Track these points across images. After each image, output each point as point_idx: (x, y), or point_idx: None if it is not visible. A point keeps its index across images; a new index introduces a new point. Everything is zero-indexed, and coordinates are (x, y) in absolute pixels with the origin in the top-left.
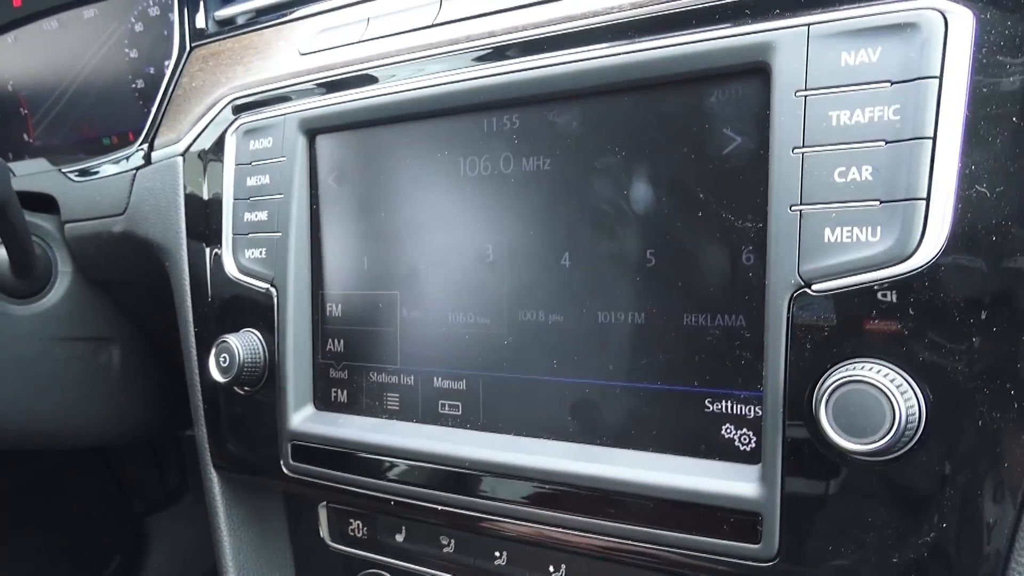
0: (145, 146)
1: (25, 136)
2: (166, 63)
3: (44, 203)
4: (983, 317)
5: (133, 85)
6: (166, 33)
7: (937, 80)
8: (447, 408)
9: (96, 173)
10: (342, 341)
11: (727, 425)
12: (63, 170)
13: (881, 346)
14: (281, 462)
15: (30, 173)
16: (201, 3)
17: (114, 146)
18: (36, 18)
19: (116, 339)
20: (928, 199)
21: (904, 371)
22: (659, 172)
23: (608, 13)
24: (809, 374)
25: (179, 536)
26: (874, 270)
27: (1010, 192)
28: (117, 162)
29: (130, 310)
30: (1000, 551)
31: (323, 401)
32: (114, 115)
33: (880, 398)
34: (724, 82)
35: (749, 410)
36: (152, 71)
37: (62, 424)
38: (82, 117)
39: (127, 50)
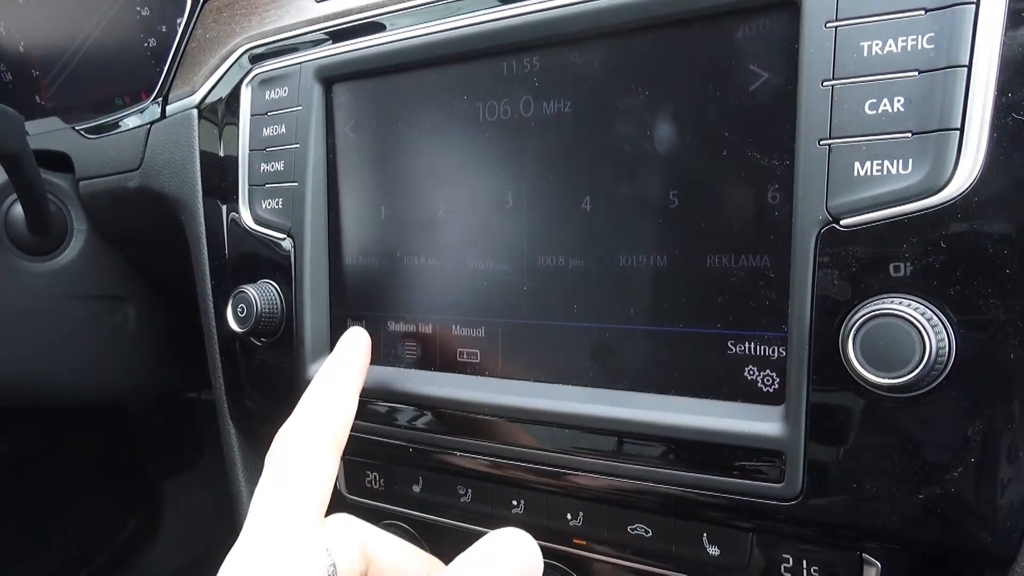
0: (160, 100)
1: (37, 98)
2: (179, 20)
3: (58, 161)
4: (1016, 251)
5: (145, 44)
6: None
7: (974, 6)
8: (465, 356)
9: (111, 129)
10: (359, 291)
11: (750, 366)
12: (76, 127)
13: (912, 280)
14: None
15: (43, 132)
16: None
17: (126, 106)
18: None
19: (131, 298)
20: (962, 129)
21: (935, 305)
22: (683, 112)
23: None
24: (836, 311)
25: (194, 501)
26: (905, 203)
27: None
28: (131, 117)
29: (145, 268)
30: (1021, 490)
31: None
32: (126, 75)
33: (911, 331)
34: (751, 16)
35: (773, 351)
36: (164, 29)
37: (77, 382)
38: (94, 78)
39: (139, 8)
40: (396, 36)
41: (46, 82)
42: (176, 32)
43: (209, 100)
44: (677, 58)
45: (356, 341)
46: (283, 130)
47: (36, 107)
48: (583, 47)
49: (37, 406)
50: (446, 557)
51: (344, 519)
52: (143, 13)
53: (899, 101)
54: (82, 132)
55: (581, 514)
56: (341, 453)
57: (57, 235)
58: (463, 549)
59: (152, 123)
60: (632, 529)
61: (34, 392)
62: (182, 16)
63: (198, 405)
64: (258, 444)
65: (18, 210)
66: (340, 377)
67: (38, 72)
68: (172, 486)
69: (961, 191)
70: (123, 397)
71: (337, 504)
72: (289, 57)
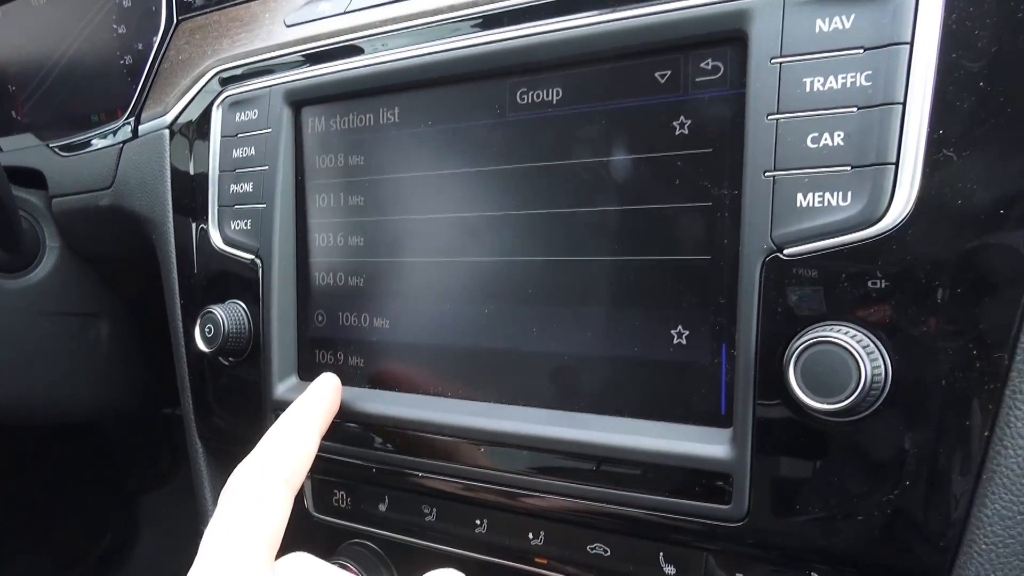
0: (132, 120)
1: (13, 113)
2: (154, 38)
3: (32, 178)
4: (947, 280)
5: (121, 61)
6: (154, 8)
7: (908, 46)
8: (429, 377)
9: (83, 148)
10: (326, 312)
11: (701, 389)
12: (50, 145)
13: (850, 308)
14: (265, 432)
15: (17, 148)
16: None
17: (102, 122)
18: None
19: (104, 314)
20: (897, 164)
21: (871, 333)
22: (638, 141)
23: None
24: (780, 337)
25: (170, 516)
26: (844, 234)
27: (976, 156)
28: (104, 136)
29: (118, 285)
30: (961, 505)
31: (307, 371)
32: (102, 91)
33: (846, 358)
34: (704, 50)
35: (722, 375)
36: (140, 47)
37: (50, 399)
38: (70, 94)
39: (115, 26)
40: (363, 62)
41: (22, 98)
42: (151, 50)
43: (181, 120)
44: (633, 89)
45: (325, 386)
46: (252, 152)
47: (12, 122)
48: (544, 77)
49: (10, 423)
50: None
51: (297, 560)
52: (119, 31)
53: (839, 136)
54: (56, 150)
55: (542, 533)
56: (295, 494)
57: (29, 252)
58: (430, 568)
59: (124, 142)
60: (592, 548)
61: (6, 409)
62: (157, 34)
63: (173, 420)
64: (226, 462)
65: None
66: (303, 419)
67: (14, 87)
68: (149, 500)
69: (896, 223)
70: (97, 413)
71: (304, 522)
72: (259, 80)
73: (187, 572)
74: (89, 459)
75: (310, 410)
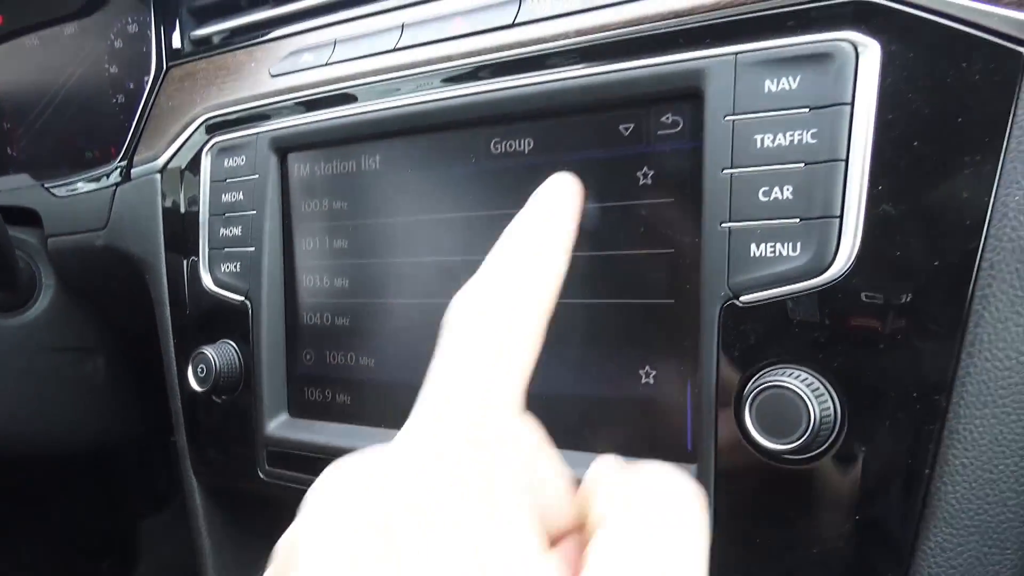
0: (124, 163)
1: (8, 149)
2: (145, 78)
3: (27, 217)
4: (888, 326)
5: (114, 100)
6: (145, 49)
7: (849, 107)
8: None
9: (78, 189)
10: (314, 351)
11: (667, 426)
12: (45, 185)
13: (801, 352)
14: (257, 467)
15: (13, 188)
16: (177, 23)
17: (96, 159)
18: (17, 35)
19: (100, 349)
20: (841, 217)
21: (820, 376)
22: (605, 190)
23: (556, 40)
24: (737, 378)
25: (169, 540)
26: (795, 282)
27: (912, 211)
28: (98, 179)
29: (113, 320)
30: (908, 538)
31: (297, 408)
32: (96, 129)
33: (796, 401)
34: (664, 106)
35: (686, 413)
36: (132, 86)
37: (49, 432)
38: (64, 131)
39: (107, 66)
40: (344, 111)
41: (17, 134)
42: (143, 91)
43: (171, 165)
44: (599, 140)
45: (564, 187)
46: (241, 197)
47: (7, 158)
48: (517, 127)
49: (8, 456)
50: None
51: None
52: (111, 70)
53: (788, 189)
54: (51, 190)
55: None
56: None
57: (26, 290)
58: None
59: (117, 185)
60: None
61: (5, 442)
62: (148, 75)
63: (171, 445)
64: (220, 496)
65: None
66: (545, 227)
67: (9, 124)
68: (147, 525)
69: (841, 273)
70: (95, 445)
71: None
72: (246, 127)
73: None
74: (86, 483)
75: (552, 215)
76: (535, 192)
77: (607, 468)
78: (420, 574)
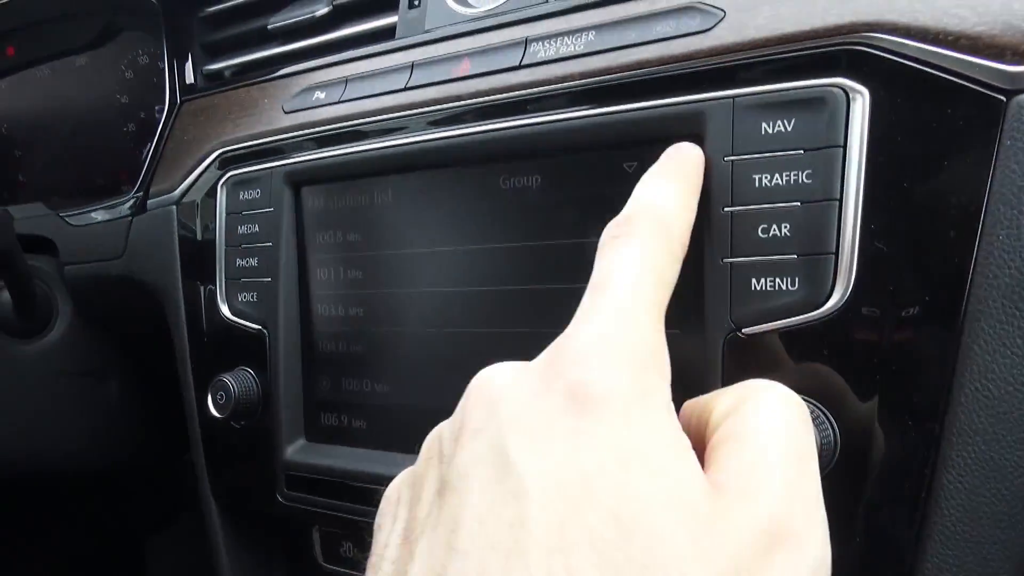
0: (140, 194)
1: (20, 176)
2: (156, 107)
3: (42, 245)
4: (883, 358)
5: (125, 129)
6: (156, 80)
7: (842, 149)
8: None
9: (93, 219)
10: (330, 378)
11: None
12: (60, 214)
13: (800, 383)
14: (276, 491)
15: (28, 216)
16: (189, 57)
17: (107, 187)
18: (28, 66)
19: (115, 373)
20: (837, 254)
21: (819, 404)
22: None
23: (561, 82)
24: None
25: (176, 558)
26: (793, 316)
27: (903, 249)
28: (113, 208)
29: (128, 344)
30: (907, 560)
31: (314, 433)
32: (107, 157)
33: None
34: (664, 146)
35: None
36: (143, 115)
37: (63, 455)
38: (76, 159)
39: (118, 96)
40: (357, 147)
41: (29, 162)
42: (155, 122)
43: (188, 197)
44: (604, 177)
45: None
46: (256, 229)
47: (18, 185)
48: (525, 164)
49: (22, 480)
50: None
51: None
52: (122, 100)
53: (786, 227)
54: (66, 219)
55: None
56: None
57: (43, 316)
58: None
59: (133, 215)
60: None
61: (21, 467)
62: (160, 108)
63: (179, 463)
64: (238, 518)
65: (4, 295)
66: (684, 174)
67: (20, 152)
68: (155, 541)
69: (837, 307)
70: (108, 468)
71: (315, 573)
72: (260, 162)
73: None
74: (94, 503)
75: (689, 166)
76: (673, 147)
77: (706, 396)
78: (598, 436)
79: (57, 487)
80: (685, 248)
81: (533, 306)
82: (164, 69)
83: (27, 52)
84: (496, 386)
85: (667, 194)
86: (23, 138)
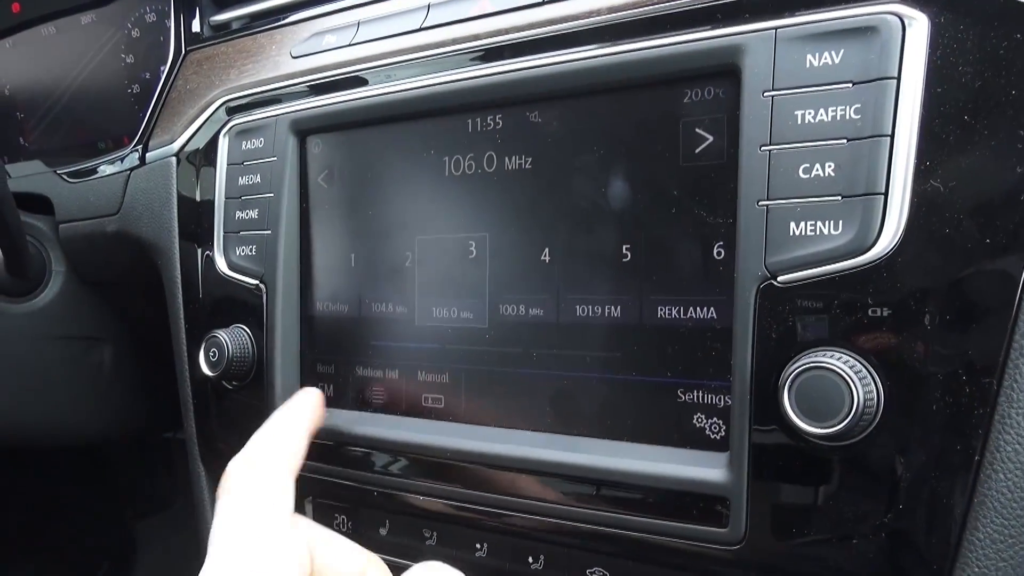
0: (140, 147)
1: (21, 139)
2: (161, 67)
3: (39, 204)
4: (936, 307)
5: (129, 90)
6: (162, 39)
7: (895, 81)
8: (430, 401)
9: (91, 174)
10: (329, 336)
11: (698, 414)
12: (58, 171)
13: (842, 334)
14: None
15: (26, 175)
16: (197, 9)
17: (108, 149)
18: (34, 24)
19: (108, 338)
20: (886, 194)
21: (863, 358)
22: (635, 170)
23: (587, 17)
24: (774, 362)
25: (168, 541)
26: (836, 262)
27: (962, 187)
28: (112, 163)
29: (122, 309)
30: (954, 528)
31: None
32: (110, 119)
33: (840, 384)
34: (697, 83)
35: (719, 399)
36: (148, 76)
37: (53, 422)
38: (78, 121)
39: (123, 55)
40: (367, 92)
41: (30, 125)
42: (159, 80)
43: (188, 148)
44: (628, 120)
45: (308, 394)
46: (258, 180)
47: (19, 148)
48: (542, 107)
49: (11, 446)
50: None
51: (294, 519)
52: (127, 60)
53: (830, 167)
54: (63, 176)
55: (542, 556)
56: (295, 477)
57: (36, 277)
58: None
59: (132, 169)
60: (591, 572)
61: (8, 432)
62: (165, 64)
63: (173, 444)
64: None
65: None
66: (292, 418)
67: (22, 114)
68: (146, 527)
69: (886, 251)
70: (99, 436)
71: None
72: (265, 109)
73: None
74: (86, 485)
75: (297, 412)
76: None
77: None
78: None
79: (41, 464)
80: (294, 474)
81: (543, 254)
82: (170, 25)
83: (33, 8)
84: None
85: (263, 444)
86: (26, 99)
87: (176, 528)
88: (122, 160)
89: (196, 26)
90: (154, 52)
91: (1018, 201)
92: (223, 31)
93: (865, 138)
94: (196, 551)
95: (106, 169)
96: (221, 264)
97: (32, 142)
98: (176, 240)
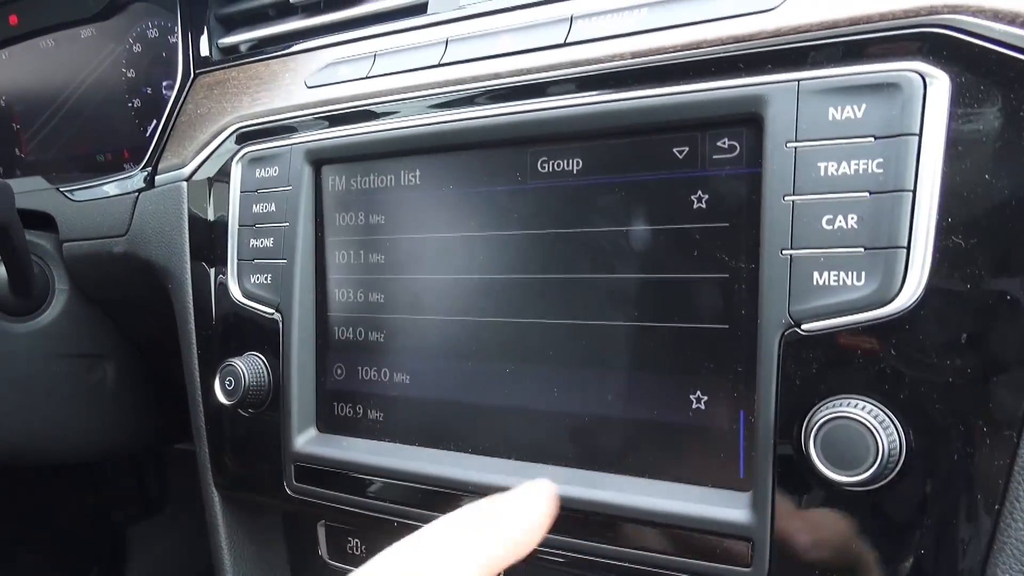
0: (149, 169)
1: (17, 151)
2: (164, 83)
3: (41, 221)
4: (958, 360)
5: (130, 104)
6: (164, 54)
7: (917, 137)
8: (449, 434)
9: (97, 194)
10: (346, 366)
11: (720, 453)
12: (61, 189)
13: (865, 383)
14: (284, 482)
15: (27, 191)
16: (205, 30)
17: (108, 163)
18: (32, 36)
19: (111, 355)
20: (908, 248)
21: (886, 407)
22: (658, 213)
23: (608, 61)
24: (798, 408)
25: (158, 546)
26: (859, 312)
27: (983, 244)
28: (119, 183)
29: (125, 326)
30: (975, 571)
31: (326, 423)
32: (109, 133)
33: (864, 433)
34: (721, 130)
35: (742, 441)
36: (150, 91)
37: (55, 440)
38: (76, 133)
39: (124, 70)
40: (384, 125)
41: (27, 136)
42: (164, 98)
43: (199, 174)
44: (651, 163)
45: (544, 489)
46: (273, 208)
47: (16, 160)
48: (565, 147)
49: (13, 463)
50: None
51: None
52: (128, 75)
53: (852, 218)
54: (67, 194)
55: None
56: None
57: (39, 296)
58: None
59: (140, 191)
60: None
61: (11, 449)
62: (170, 82)
63: (165, 451)
64: (241, 511)
65: (0, 272)
66: (522, 517)
67: (19, 126)
68: (136, 531)
69: (908, 304)
70: (100, 453)
71: (319, 570)
72: (279, 138)
73: None
74: (78, 490)
75: (530, 510)
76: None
77: None
78: None
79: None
80: None
81: (563, 296)
82: (174, 43)
83: (31, 21)
84: None
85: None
86: (22, 111)
87: (166, 533)
88: (130, 181)
89: (204, 49)
90: (156, 68)
91: None
92: (232, 55)
93: (887, 192)
94: (188, 556)
95: (112, 189)
96: (235, 291)
97: (29, 153)
98: (188, 265)
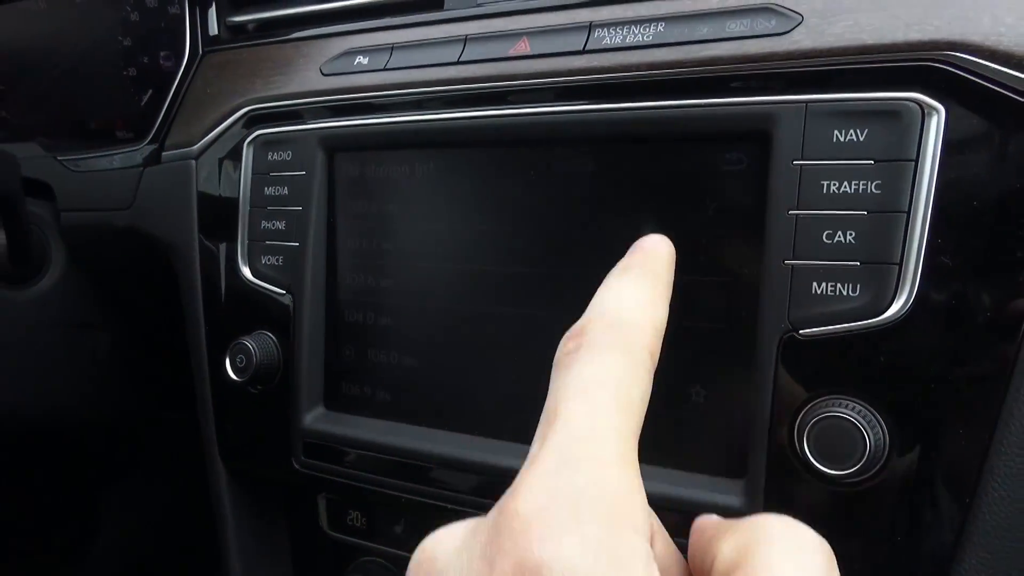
0: (155, 145)
1: (3, 112)
2: (163, 54)
3: (36, 188)
4: (940, 368)
5: (125, 72)
6: (164, 25)
7: (913, 163)
8: (457, 414)
9: (98, 165)
10: (356, 347)
11: (716, 444)
12: (59, 158)
13: (856, 385)
14: (292, 458)
15: (24, 158)
16: (213, 7)
17: (99, 130)
18: None
19: (106, 324)
20: (900, 264)
21: (873, 408)
22: (665, 220)
23: (624, 71)
24: (792, 405)
25: (131, 511)
26: (853, 320)
27: (968, 265)
28: (122, 156)
29: (122, 296)
30: (945, 560)
31: (334, 401)
32: (102, 100)
33: (854, 431)
34: (730, 144)
35: (738, 432)
36: (147, 60)
37: (46, 408)
38: (66, 98)
39: (120, 37)
40: (399, 117)
41: (12, 98)
42: (162, 69)
43: (209, 153)
44: (661, 171)
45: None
46: (285, 192)
47: (1, 120)
48: (575, 150)
49: (6, 431)
50: None
51: None
52: (124, 43)
53: (851, 234)
54: (65, 163)
55: None
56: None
57: (35, 263)
58: None
59: (145, 166)
60: None
61: (5, 418)
62: (167, 52)
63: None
64: (244, 483)
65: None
66: (659, 276)
67: (4, 87)
68: (109, 495)
69: (897, 315)
70: (95, 422)
71: (319, 540)
72: (293, 123)
73: (154, 562)
74: (48, 454)
75: (658, 263)
76: (640, 241)
77: (716, 523)
78: None
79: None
80: (655, 359)
81: (571, 289)
82: (175, 14)
83: None
84: (437, 569)
85: (630, 297)
86: (7, 71)
87: (139, 498)
88: (134, 154)
89: (213, 27)
90: (153, 38)
91: (1016, 283)
92: (241, 35)
93: (884, 212)
94: (159, 522)
95: (115, 162)
96: (246, 271)
97: (14, 115)
98: (196, 243)
